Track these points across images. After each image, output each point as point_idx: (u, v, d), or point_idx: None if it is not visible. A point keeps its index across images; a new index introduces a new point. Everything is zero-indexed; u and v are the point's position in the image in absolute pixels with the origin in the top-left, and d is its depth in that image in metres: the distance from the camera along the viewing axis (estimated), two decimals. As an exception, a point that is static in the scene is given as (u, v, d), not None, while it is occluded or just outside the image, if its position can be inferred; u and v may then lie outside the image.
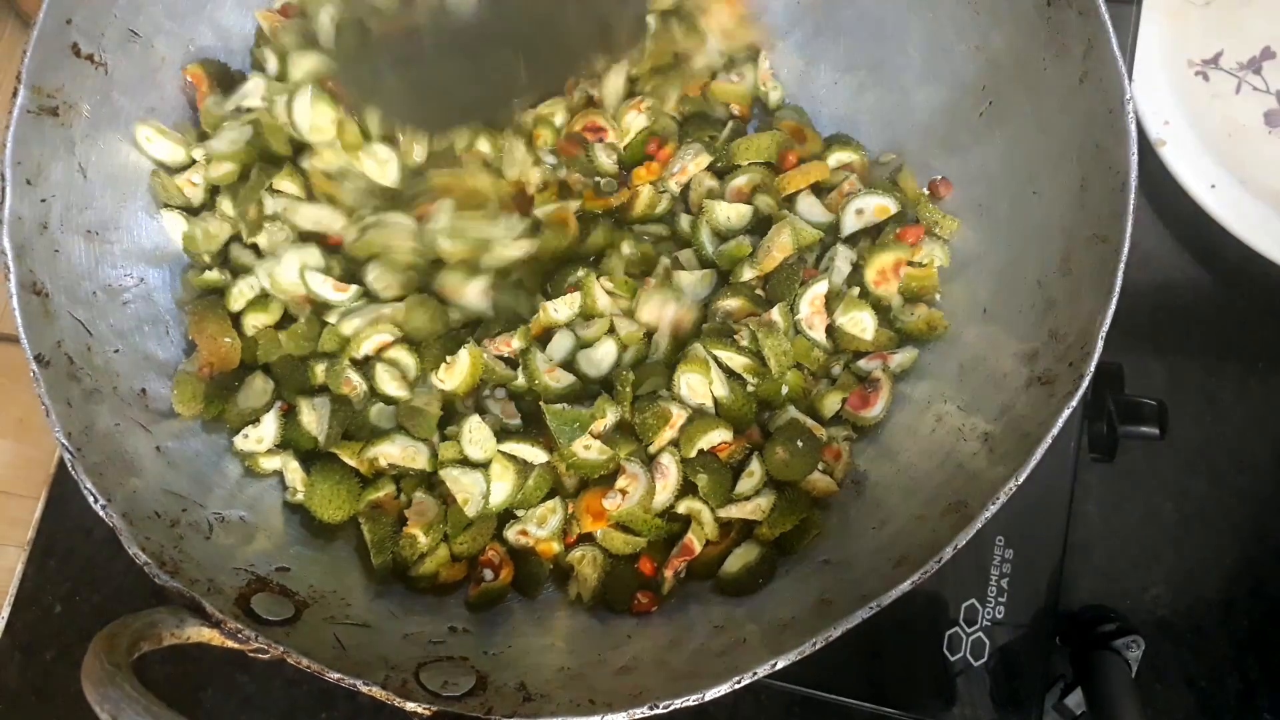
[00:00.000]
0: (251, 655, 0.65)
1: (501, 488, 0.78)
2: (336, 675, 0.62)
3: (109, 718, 0.51)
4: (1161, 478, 1.01)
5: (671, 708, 0.61)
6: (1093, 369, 0.67)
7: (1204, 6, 1.09)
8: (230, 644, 0.65)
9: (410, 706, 0.63)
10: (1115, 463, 0.93)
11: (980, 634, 0.85)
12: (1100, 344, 0.68)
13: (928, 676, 0.85)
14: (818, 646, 0.62)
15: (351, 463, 0.80)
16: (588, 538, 0.80)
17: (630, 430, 0.80)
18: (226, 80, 0.91)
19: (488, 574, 0.77)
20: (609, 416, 0.78)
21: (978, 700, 0.84)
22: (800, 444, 0.77)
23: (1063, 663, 0.89)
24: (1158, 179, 1.04)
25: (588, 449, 0.78)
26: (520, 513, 0.80)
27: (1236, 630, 0.97)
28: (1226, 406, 1.03)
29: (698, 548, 0.78)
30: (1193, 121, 1.06)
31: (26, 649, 1.03)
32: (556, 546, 0.80)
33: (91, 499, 0.66)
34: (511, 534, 0.80)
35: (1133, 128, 0.71)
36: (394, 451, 0.80)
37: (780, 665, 0.62)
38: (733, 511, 0.78)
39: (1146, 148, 1.05)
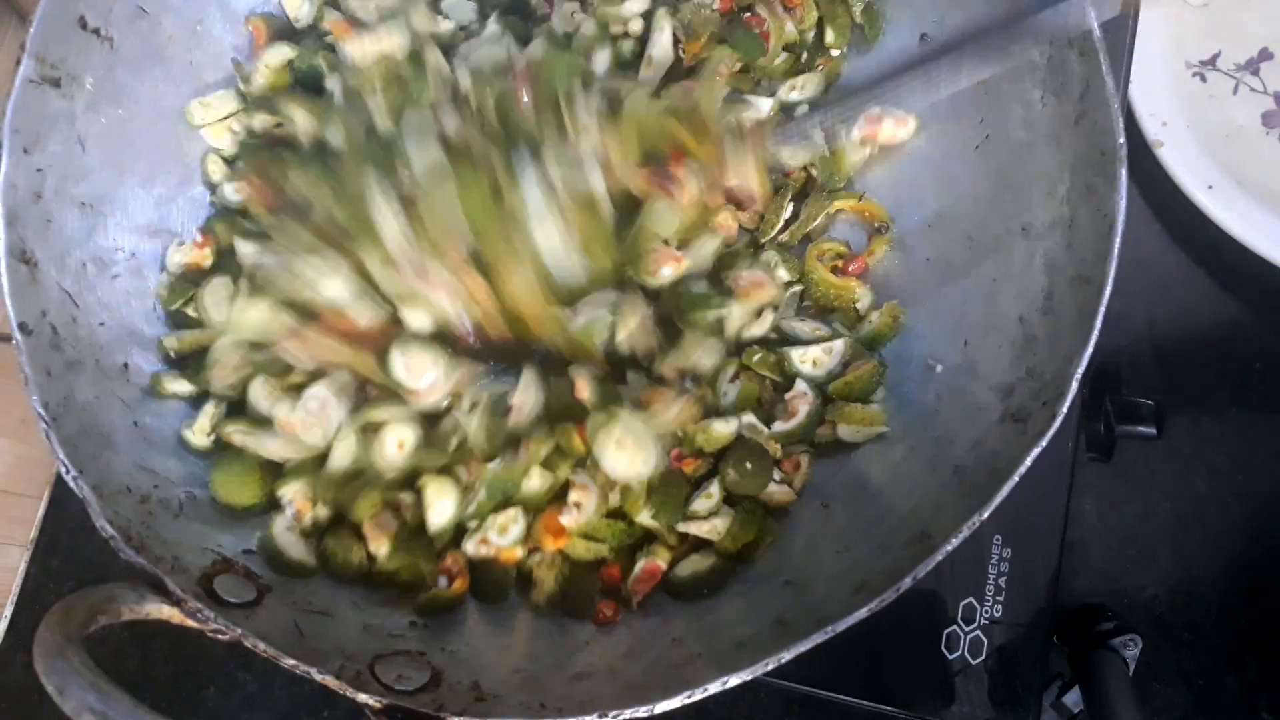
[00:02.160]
0: (211, 636, 0.66)
1: (446, 505, 0.76)
2: (292, 662, 0.62)
3: (54, 690, 0.51)
4: (1159, 477, 1.01)
5: (622, 718, 0.62)
6: (1065, 410, 0.67)
7: (1202, 7, 1.10)
8: (189, 623, 0.65)
9: (362, 698, 0.63)
10: (1112, 462, 0.93)
11: (978, 632, 0.85)
12: (1075, 386, 0.68)
13: (925, 675, 0.85)
14: (769, 668, 0.62)
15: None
16: (554, 548, 0.80)
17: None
18: (288, 33, 0.93)
19: (442, 581, 0.76)
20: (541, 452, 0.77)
21: (975, 698, 0.84)
22: (749, 465, 0.77)
23: (1060, 661, 0.89)
24: (1155, 180, 1.04)
25: (530, 480, 0.77)
26: (473, 524, 0.78)
27: (1234, 629, 0.97)
28: (1224, 406, 1.03)
29: (663, 567, 0.78)
30: (1190, 122, 1.06)
31: (30, 649, 1.02)
32: (520, 553, 0.78)
33: (64, 469, 0.67)
34: (471, 545, 0.77)
35: (1123, 173, 0.71)
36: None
37: (732, 683, 0.62)
38: (691, 528, 0.78)
39: (1144, 148, 1.05)
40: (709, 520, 0.78)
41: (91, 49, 0.80)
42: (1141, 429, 0.92)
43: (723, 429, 0.80)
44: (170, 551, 0.68)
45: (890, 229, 0.89)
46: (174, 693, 0.97)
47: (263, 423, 0.79)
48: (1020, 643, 0.85)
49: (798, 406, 0.82)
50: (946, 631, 0.86)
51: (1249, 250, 1.00)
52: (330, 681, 0.63)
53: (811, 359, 0.84)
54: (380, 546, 0.76)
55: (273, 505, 0.79)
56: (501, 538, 0.78)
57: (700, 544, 0.79)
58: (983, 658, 0.85)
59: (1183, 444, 1.01)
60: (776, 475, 0.80)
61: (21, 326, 0.71)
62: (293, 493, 0.78)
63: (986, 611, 0.86)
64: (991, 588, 0.86)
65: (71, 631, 0.55)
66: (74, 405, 0.72)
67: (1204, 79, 1.09)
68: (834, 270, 0.88)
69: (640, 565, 0.77)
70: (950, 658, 0.85)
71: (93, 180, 0.81)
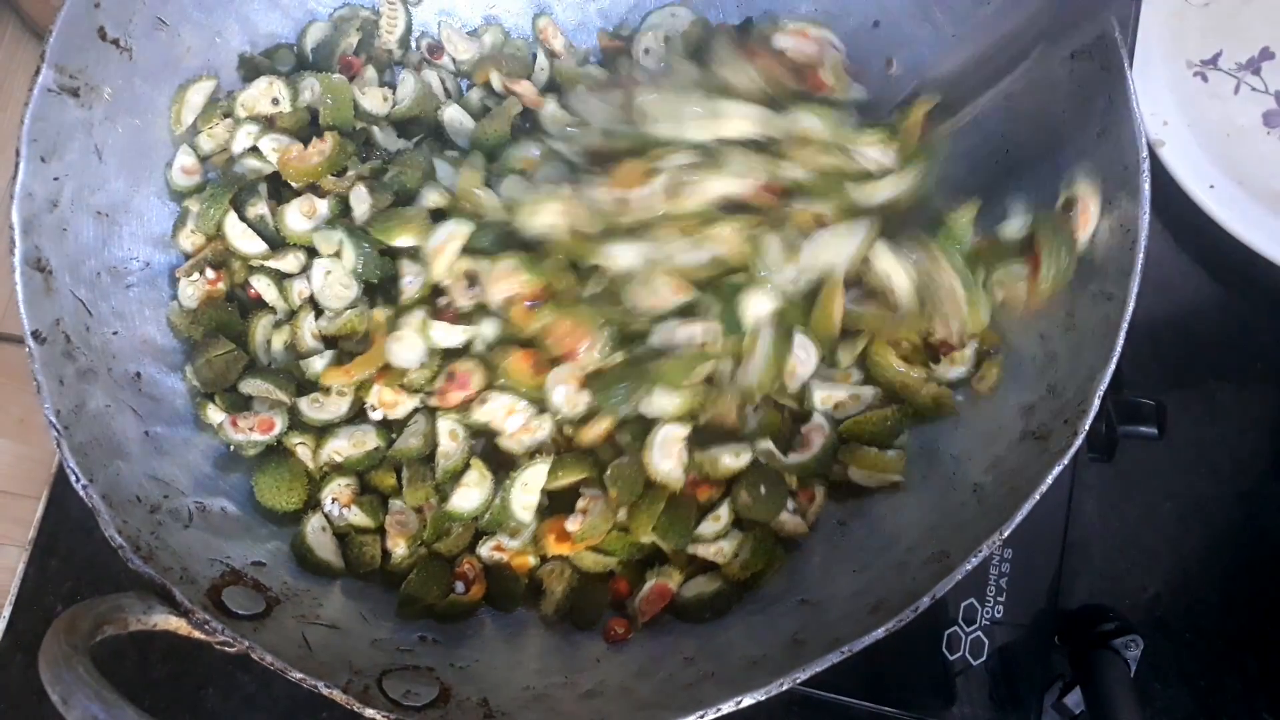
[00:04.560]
0: (218, 648, 0.65)
1: (474, 495, 0.78)
2: (299, 675, 0.62)
3: (59, 699, 0.50)
4: (1160, 477, 1.01)
5: (631, 737, 0.61)
6: (1087, 428, 0.66)
7: (1203, 7, 1.10)
8: (197, 634, 0.64)
9: (370, 713, 0.62)
10: (1114, 462, 0.93)
11: (979, 633, 0.85)
12: (1097, 403, 0.67)
13: (927, 675, 0.85)
14: (784, 687, 0.61)
15: (305, 460, 0.81)
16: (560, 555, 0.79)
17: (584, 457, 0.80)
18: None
19: (459, 587, 0.77)
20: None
21: (976, 699, 0.84)
22: (763, 489, 0.76)
23: (1061, 662, 0.89)
24: (1156, 179, 1.04)
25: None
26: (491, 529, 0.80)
27: (1235, 630, 0.97)
28: (1225, 406, 1.03)
29: (674, 589, 0.77)
30: (1191, 122, 1.06)
31: (28, 649, 1.01)
32: (532, 559, 0.79)
33: (73, 478, 0.66)
34: (485, 549, 0.79)
35: (1147, 187, 0.71)
36: (343, 444, 0.80)
37: (746, 703, 0.61)
38: (698, 550, 0.77)
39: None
40: (715, 543, 0.77)
41: (110, 59, 0.80)
42: (1143, 429, 0.91)
43: (735, 461, 0.78)
44: (179, 562, 0.67)
45: (1000, 351, 0.81)
46: (173, 693, 0.96)
47: (324, 429, 0.82)
48: (1021, 643, 0.85)
49: (813, 439, 0.80)
50: (948, 632, 0.85)
51: (1249, 249, 1.00)
52: (337, 696, 0.62)
53: (834, 402, 0.81)
54: (398, 545, 0.78)
55: (306, 510, 0.80)
56: (513, 541, 0.79)
57: (708, 565, 0.79)
58: (984, 658, 0.85)
59: (1183, 444, 1.01)
60: (790, 505, 0.79)
61: (35, 334, 0.71)
62: (338, 490, 0.81)
63: (988, 612, 0.85)
64: (993, 588, 0.86)
65: (78, 641, 0.54)
66: (85, 414, 0.71)
67: (1205, 78, 1.09)
68: (905, 359, 0.81)
69: (650, 585, 0.77)
70: (951, 658, 0.85)
71: (109, 189, 0.81)
